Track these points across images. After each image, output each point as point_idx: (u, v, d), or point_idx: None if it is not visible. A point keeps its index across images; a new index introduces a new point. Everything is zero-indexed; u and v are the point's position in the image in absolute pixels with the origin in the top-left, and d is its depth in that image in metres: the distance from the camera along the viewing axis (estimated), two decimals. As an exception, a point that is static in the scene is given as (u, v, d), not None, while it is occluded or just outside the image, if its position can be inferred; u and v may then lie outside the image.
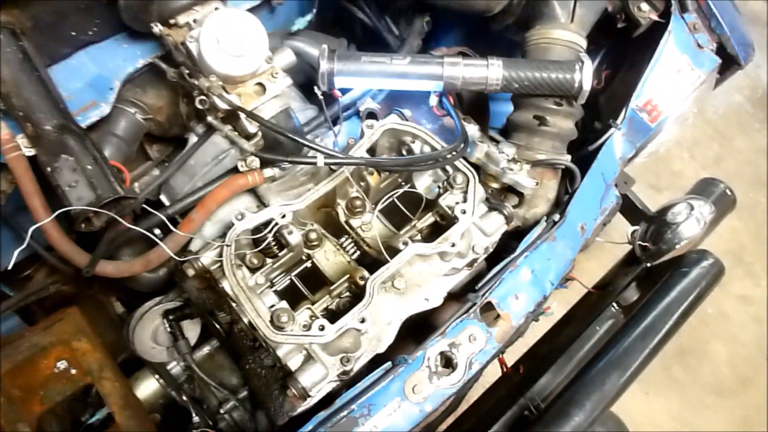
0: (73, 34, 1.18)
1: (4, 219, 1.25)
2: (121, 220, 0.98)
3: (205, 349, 1.38)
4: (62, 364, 1.36)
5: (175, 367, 1.39)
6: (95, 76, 1.21)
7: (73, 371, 1.36)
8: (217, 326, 1.20)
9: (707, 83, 1.43)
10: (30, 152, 1.05)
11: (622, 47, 1.53)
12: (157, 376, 1.40)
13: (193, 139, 1.27)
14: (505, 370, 1.60)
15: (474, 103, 1.67)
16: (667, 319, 1.25)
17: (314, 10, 1.43)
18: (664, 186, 2.80)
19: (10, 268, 1.04)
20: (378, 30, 1.51)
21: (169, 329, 1.24)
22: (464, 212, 1.13)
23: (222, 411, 1.30)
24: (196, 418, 1.29)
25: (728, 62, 1.41)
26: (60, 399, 1.34)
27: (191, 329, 1.33)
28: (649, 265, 1.50)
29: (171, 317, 1.24)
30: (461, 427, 1.44)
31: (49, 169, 0.99)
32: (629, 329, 1.24)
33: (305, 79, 1.44)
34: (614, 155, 1.38)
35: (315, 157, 1.02)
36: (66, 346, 1.36)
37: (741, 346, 2.59)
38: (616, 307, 1.51)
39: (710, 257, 1.36)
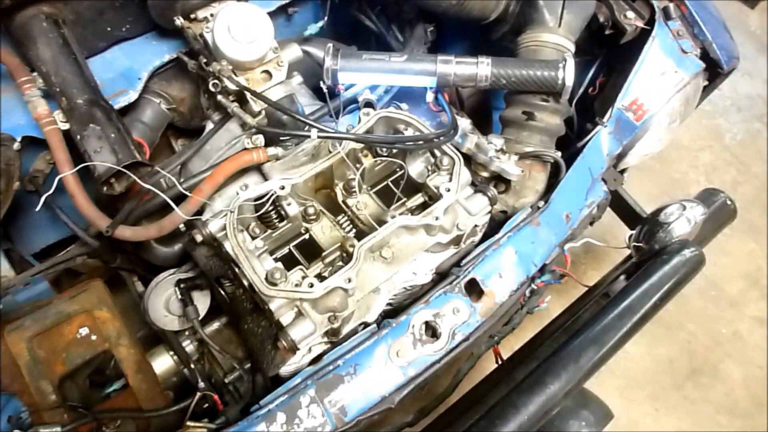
0: (109, 29, 1.35)
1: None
2: (138, 180, 1.11)
3: (215, 325, 1.49)
4: (84, 331, 1.48)
5: (188, 346, 1.50)
6: (126, 68, 1.37)
7: (94, 337, 1.48)
8: (222, 293, 1.31)
9: (692, 86, 1.51)
10: (64, 126, 1.20)
11: (615, 56, 1.62)
12: (171, 353, 1.51)
13: (209, 126, 1.42)
14: (500, 361, 1.67)
15: (477, 110, 1.79)
16: (645, 301, 1.31)
17: (326, 17, 1.57)
18: (678, 208, 2.83)
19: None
20: (385, 37, 1.65)
21: (180, 296, 1.35)
22: (448, 190, 1.23)
23: (227, 381, 1.40)
24: (201, 384, 1.39)
25: (713, 67, 1.49)
26: (80, 362, 1.46)
27: (201, 302, 1.44)
28: (636, 260, 1.56)
29: (182, 285, 1.36)
30: (454, 411, 1.51)
31: (78, 137, 1.13)
32: (608, 310, 1.30)
33: (316, 82, 1.58)
34: (601, 151, 1.46)
35: (310, 132, 1.14)
36: (88, 314, 1.49)
37: (756, 368, 2.56)
38: (603, 299, 1.56)
39: (690, 246, 1.41)
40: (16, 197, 1.39)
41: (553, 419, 1.38)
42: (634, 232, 1.70)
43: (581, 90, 1.70)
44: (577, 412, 1.37)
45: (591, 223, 1.58)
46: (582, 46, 1.65)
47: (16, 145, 1.17)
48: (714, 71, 1.53)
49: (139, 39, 1.41)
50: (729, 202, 1.93)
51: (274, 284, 1.11)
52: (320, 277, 1.25)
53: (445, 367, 1.41)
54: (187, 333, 1.48)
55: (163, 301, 1.42)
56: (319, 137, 1.15)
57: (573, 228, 1.43)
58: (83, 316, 1.49)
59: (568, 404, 1.39)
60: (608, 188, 1.52)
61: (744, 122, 3.18)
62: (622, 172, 1.88)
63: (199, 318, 1.37)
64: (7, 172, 1.16)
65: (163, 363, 1.51)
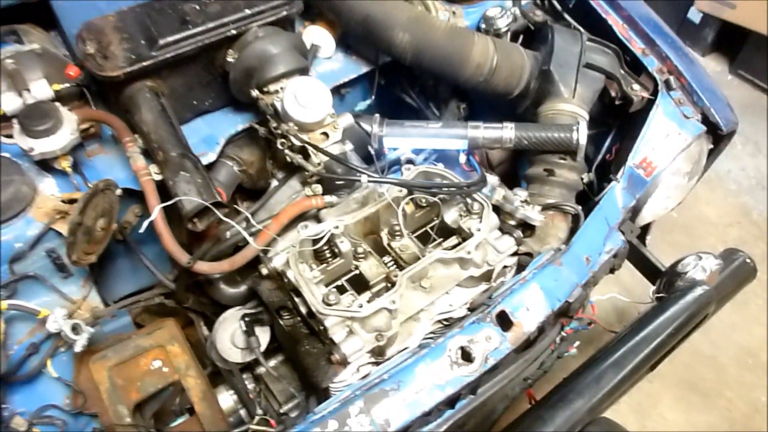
0: (195, 103, 1.63)
1: (128, 248, 1.65)
2: (220, 215, 1.34)
3: (272, 362, 1.67)
4: (157, 363, 1.67)
5: (248, 382, 1.67)
6: (207, 135, 1.65)
7: (165, 369, 1.66)
8: (281, 323, 1.50)
9: (696, 146, 1.70)
10: (158, 177, 1.46)
11: (626, 126, 1.83)
12: (231, 392, 1.68)
13: (274, 183, 1.66)
14: (533, 402, 1.78)
15: (506, 176, 2.01)
16: (660, 330, 1.44)
17: (373, 97, 1.85)
18: (709, 279, 2.92)
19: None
20: (423, 113, 1.91)
21: (244, 328, 1.54)
22: (479, 230, 1.43)
23: (282, 411, 1.56)
24: (260, 411, 1.55)
25: (714, 130, 1.69)
26: (152, 390, 1.63)
27: (262, 337, 1.63)
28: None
29: (247, 319, 1.55)
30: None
31: (171, 182, 1.38)
32: (626, 338, 1.43)
33: (364, 151, 1.83)
34: (616, 203, 1.65)
35: (360, 178, 1.37)
36: (162, 349, 1.68)
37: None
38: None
39: (702, 284, 1.55)
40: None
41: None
42: (655, 286, 1.85)
43: (600, 157, 1.91)
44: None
45: (612, 271, 1.73)
46: (598, 119, 1.88)
47: (118, 191, 1.42)
48: (716, 134, 1.72)
49: (218, 112, 1.69)
50: (748, 261, 2.05)
51: (329, 305, 1.30)
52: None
53: (480, 407, 1.55)
54: (246, 373, 1.66)
55: (228, 335, 1.60)
56: (369, 181, 1.38)
57: (594, 271, 1.58)
58: (157, 350, 1.68)
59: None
60: (625, 238, 1.68)
61: (772, 197, 3.31)
62: (646, 229, 2.05)
63: (261, 349, 1.55)
64: (111, 212, 1.40)
65: (222, 401, 1.68)
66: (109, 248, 1.70)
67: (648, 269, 1.95)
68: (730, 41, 3.83)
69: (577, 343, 1.82)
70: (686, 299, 1.51)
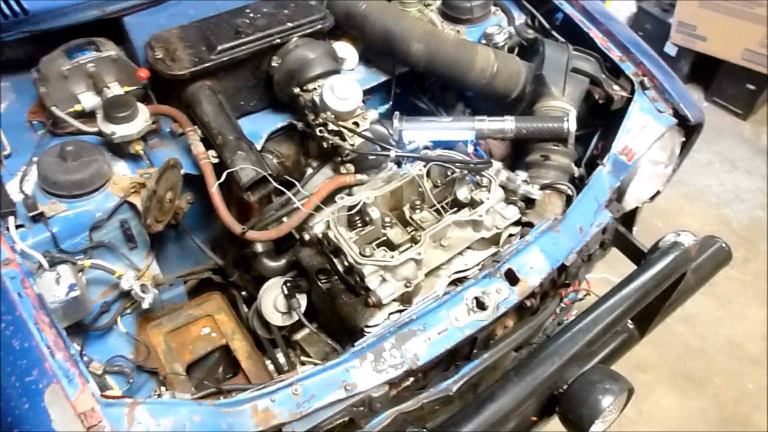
0: (242, 104, 1.92)
1: (181, 233, 1.90)
2: (275, 184, 1.60)
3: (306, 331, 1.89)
4: (206, 329, 1.90)
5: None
6: (251, 131, 1.91)
7: (214, 335, 1.89)
8: (320, 285, 1.73)
9: (669, 137, 1.98)
10: (215, 161, 1.72)
11: (609, 124, 2.12)
12: (269, 362, 1.90)
13: (309, 171, 1.93)
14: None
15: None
16: (637, 288, 1.68)
17: (390, 102, 2.14)
18: (694, 281, 3.17)
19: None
20: (435, 115, 2.20)
21: (286, 291, 1.77)
22: (488, 198, 1.69)
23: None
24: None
25: (685, 122, 1.97)
26: (203, 352, 1.87)
27: (301, 302, 1.85)
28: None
29: (288, 284, 1.79)
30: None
31: (229, 160, 1.65)
32: (603, 298, 1.68)
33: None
34: (603, 184, 1.91)
35: (389, 152, 1.64)
36: (210, 317, 1.92)
37: (785, 420, 2.75)
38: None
39: (679, 246, 1.80)
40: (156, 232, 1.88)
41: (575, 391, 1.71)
42: (641, 266, 2.09)
43: (588, 153, 2.19)
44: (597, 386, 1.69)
45: (602, 246, 1.99)
46: (585, 120, 2.17)
47: (182, 171, 1.69)
48: (686, 127, 2.01)
49: (260, 113, 1.97)
50: (724, 246, 2.31)
51: (365, 256, 1.55)
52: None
53: (491, 368, 1.78)
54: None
55: (271, 300, 1.83)
56: (396, 155, 1.65)
57: (586, 240, 1.83)
58: (206, 319, 1.92)
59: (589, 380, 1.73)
60: (612, 216, 1.93)
61: (747, 210, 3.60)
62: (632, 220, 2.32)
63: (302, 309, 1.78)
64: (176, 187, 1.66)
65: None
66: (162, 235, 1.96)
67: (633, 252, 2.20)
68: (704, 71, 4.20)
69: (575, 312, 2.05)
70: (666, 256, 1.76)
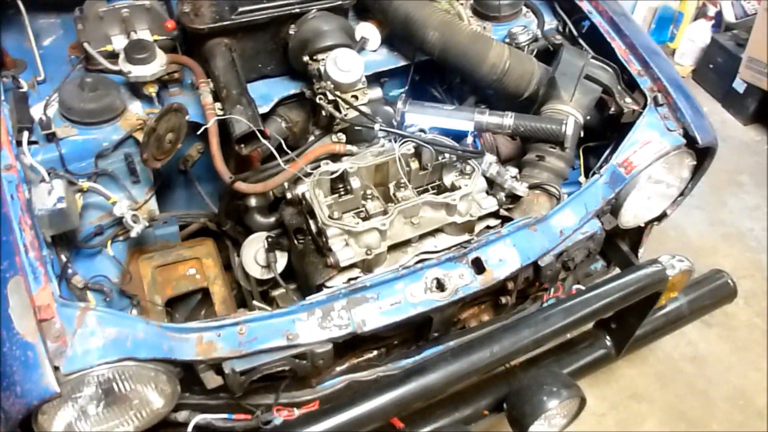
0: (260, 66, 2.03)
1: (190, 180, 2.03)
2: (264, 141, 1.69)
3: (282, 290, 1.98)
4: (192, 270, 2.02)
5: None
6: (265, 93, 2.02)
7: (197, 276, 2.01)
8: (296, 243, 1.81)
9: (676, 157, 1.94)
10: (220, 113, 1.83)
11: (621, 137, 2.09)
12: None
13: (311, 138, 2.02)
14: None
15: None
16: (604, 293, 1.67)
17: (406, 87, 2.20)
18: (714, 323, 3.05)
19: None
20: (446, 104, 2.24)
21: (266, 246, 1.87)
22: (466, 185, 1.72)
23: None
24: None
25: (693, 143, 1.92)
26: (184, 290, 1.98)
27: (281, 260, 1.94)
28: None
29: (270, 240, 1.88)
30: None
31: (228, 112, 1.75)
32: (569, 298, 1.68)
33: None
34: (597, 194, 1.89)
35: (374, 125, 1.70)
36: (198, 260, 2.03)
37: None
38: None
39: (657, 265, 1.76)
40: (165, 174, 2.02)
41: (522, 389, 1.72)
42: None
43: (598, 164, 2.17)
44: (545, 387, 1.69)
45: (588, 256, 1.96)
46: (599, 131, 2.16)
47: (187, 117, 1.81)
48: (697, 150, 1.96)
49: (276, 78, 2.08)
50: (730, 282, 2.23)
51: (332, 218, 1.62)
52: (366, 230, 1.74)
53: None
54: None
55: (253, 252, 1.93)
56: (380, 129, 1.71)
57: (567, 246, 1.83)
58: (194, 261, 2.03)
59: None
60: (603, 227, 1.91)
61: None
62: (638, 243, 2.28)
63: (278, 271, 1.87)
64: (179, 130, 1.78)
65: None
66: (171, 178, 2.10)
67: (626, 265, 2.17)
68: (771, 112, 4.01)
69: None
70: (637, 271, 1.73)
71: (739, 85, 3.99)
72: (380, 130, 1.73)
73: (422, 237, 1.75)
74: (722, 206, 3.66)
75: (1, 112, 1.64)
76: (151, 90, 1.84)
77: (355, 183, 1.74)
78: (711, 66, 4.21)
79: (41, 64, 1.92)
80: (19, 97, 1.75)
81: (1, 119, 1.62)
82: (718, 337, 3.03)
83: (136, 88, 1.88)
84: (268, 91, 2.04)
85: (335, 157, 1.85)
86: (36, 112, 1.77)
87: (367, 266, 1.66)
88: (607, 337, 2.04)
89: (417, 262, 1.71)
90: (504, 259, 1.72)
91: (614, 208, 1.97)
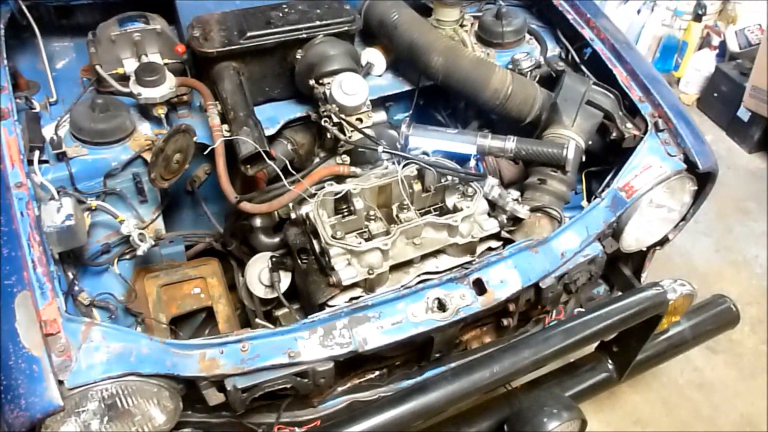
0: (267, 89, 2.07)
1: (196, 200, 2.07)
2: (269, 161, 1.72)
3: (285, 310, 1.99)
4: (197, 290, 2.04)
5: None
6: (271, 115, 2.06)
7: (202, 295, 2.03)
8: (300, 263, 1.83)
9: (677, 182, 1.95)
10: (227, 134, 1.87)
11: (624, 164, 2.11)
12: None
13: (316, 160, 2.05)
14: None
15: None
16: (604, 316, 1.67)
17: (411, 111, 2.24)
18: (720, 349, 3.03)
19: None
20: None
21: (270, 266, 1.89)
22: (468, 207, 1.74)
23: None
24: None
25: (694, 168, 1.94)
26: (188, 309, 2.00)
27: (284, 280, 1.95)
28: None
29: (274, 260, 1.90)
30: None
31: (235, 134, 1.79)
32: (570, 319, 1.68)
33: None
34: (598, 217, 1.91)
35: (377, 147, 1.73)
36: (203, 280, 2.06)
37: None
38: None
39: (658, 287, 1.77)
40: (172, 194, 2.05)
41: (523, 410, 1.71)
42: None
43: (600, 189, 2.19)
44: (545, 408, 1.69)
45: (590, 279, 1.97)
46: (601, 156, 2.18)
47: (195, 138, 1.85)
48: (697, 175, 1.97)
49: (283, 101, 2.12)
50: (733, 308, 2.24)
51: (335, 238, 1.64)
52: (369, 250, 1.75)
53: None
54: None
55: (257, 271, 1.95)
56: (384, 151, 1.74)
57: (569, 268, 1.84)
58: (199, 281, 2.06)
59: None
60: (604, 250, 1.92)
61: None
62: (641, 267, 2.28)
63: (282, 291, 1.88)
64: (186, 150, 1.82)
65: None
66: (178, 198, 2.14)
67: (627, 288, 2.17)
68: (775, 141, 4.03)
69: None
70: (637, 294, 1.74)
71: (743, 114, 4.01)
72: (384, 152, 1.76)
73: (424, 257, 1.76)
74: (728, 233, 3.66)
75: (14, 132, 1.68)
76: (160, 111, 1.88)
77: (358, 204, 1.77)
78: (716, 95, 4.25)
79: (54, 86, 1.98)
80: (32, 118, 1.80)
81: (13, 138, 1.66)
82: (725, 363, 3.00)
83: (145, 110, 1.92)
84: (275, 114, 2.08)
85: (339, 179, 1.88)
86: (48, 132, 1.82)
87: (369, 286, 1.68)
88: (609, 361, 2.04)
89: (418, 282, 1.72)
90: (505, 280, 1.73)
91: (616, 231, 1.98)
